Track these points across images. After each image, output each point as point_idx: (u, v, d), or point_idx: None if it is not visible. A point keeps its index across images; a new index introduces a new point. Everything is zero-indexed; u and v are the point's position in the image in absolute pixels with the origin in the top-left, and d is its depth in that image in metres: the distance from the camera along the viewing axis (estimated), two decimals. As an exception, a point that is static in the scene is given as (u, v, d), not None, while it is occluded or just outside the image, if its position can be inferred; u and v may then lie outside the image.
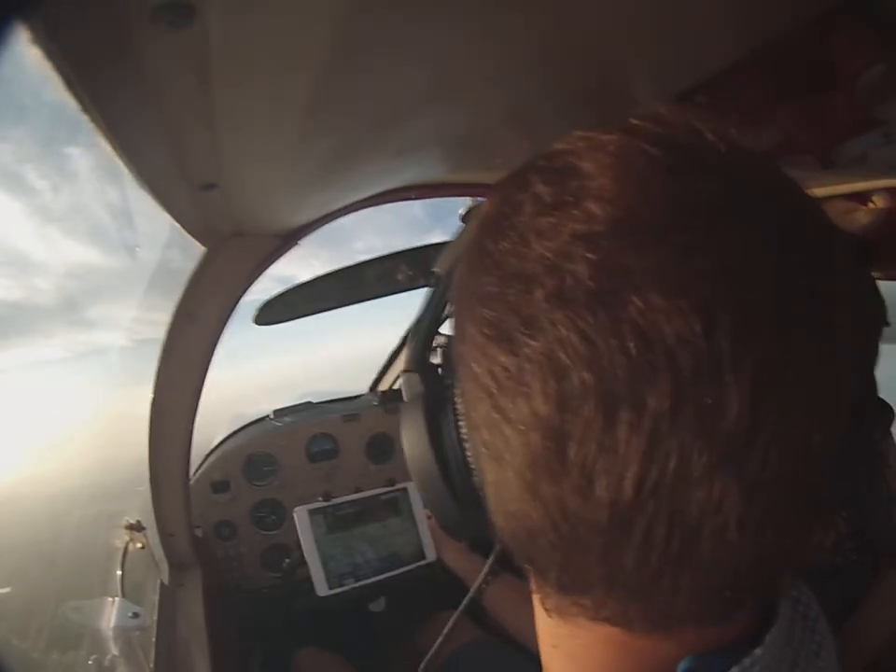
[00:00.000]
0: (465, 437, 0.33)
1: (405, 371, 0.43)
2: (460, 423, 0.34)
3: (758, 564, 0.27)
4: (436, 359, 0.46)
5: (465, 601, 0.63)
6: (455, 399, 0.35)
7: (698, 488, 0.24)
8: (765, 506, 0.25)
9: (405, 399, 0.42)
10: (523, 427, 0.26)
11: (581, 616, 0.30)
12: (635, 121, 0.27)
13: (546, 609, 0.32)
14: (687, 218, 0.24)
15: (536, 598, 0.34)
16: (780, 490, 0.25)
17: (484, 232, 0.29)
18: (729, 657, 0.28)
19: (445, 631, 0.68)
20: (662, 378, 0.23)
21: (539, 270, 0.26)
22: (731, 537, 0.25)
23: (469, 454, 0.33)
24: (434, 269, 0.44)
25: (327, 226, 1.12)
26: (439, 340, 0.44)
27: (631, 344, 0.23)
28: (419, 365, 0.43)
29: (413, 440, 0.38)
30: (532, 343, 0.25)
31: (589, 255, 0.24)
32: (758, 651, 0.28)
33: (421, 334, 0.44)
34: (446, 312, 0.42)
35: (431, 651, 0.69)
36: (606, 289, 0.24)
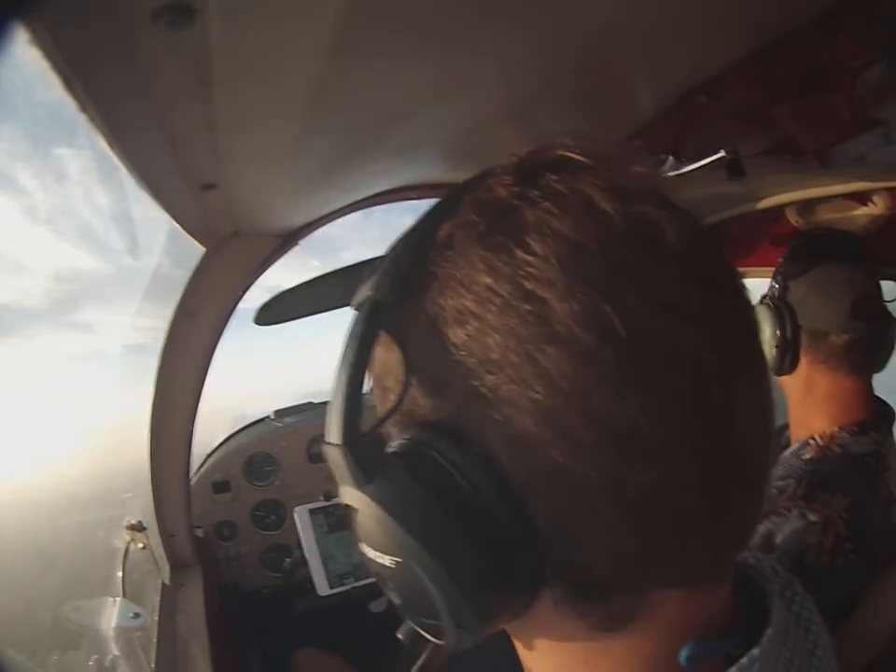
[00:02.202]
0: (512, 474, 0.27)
1: (340, 444, 0.28)
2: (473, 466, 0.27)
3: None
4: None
5: None
6: (434, 440, 0.28)
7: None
8: None
9: (354, 486, 0.28)
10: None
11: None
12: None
13: (593, 630, 0.29)
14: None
15: (570, 628, 0.29)
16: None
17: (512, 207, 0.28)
18: (722, 642, 0.29)
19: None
20: None
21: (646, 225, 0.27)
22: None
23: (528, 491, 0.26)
24: (364, 292, 0.30)
25: (315, 236, 1.12)
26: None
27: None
28: (352, 437, 0.28)
29: (408, 522, 0.27)
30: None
31: None
32: (755, 652, 0.28)
33: (354, 391, 0.28)
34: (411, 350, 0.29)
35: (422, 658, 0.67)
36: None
